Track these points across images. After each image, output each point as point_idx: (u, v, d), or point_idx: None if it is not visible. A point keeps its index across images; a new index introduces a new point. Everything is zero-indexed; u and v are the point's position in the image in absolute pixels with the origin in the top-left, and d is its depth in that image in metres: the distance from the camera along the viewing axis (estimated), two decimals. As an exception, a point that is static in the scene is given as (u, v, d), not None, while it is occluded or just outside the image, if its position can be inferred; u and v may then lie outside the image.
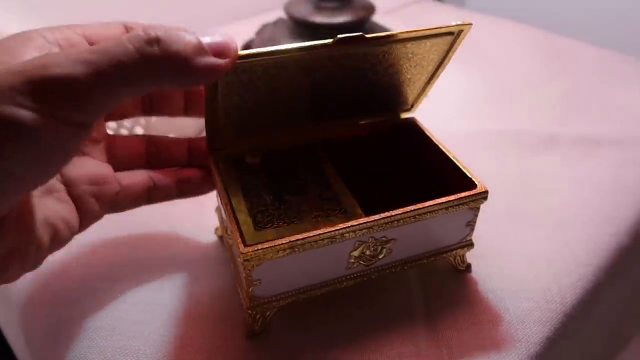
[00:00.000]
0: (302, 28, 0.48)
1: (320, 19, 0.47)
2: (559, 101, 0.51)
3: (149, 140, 0.30)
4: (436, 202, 0.27)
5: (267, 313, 0.27)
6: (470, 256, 0.32)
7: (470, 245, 0.31)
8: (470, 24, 0.27)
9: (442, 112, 0.48)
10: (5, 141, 0.17)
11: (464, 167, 0.29)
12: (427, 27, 0.26)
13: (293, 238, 0.24)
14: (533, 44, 0.63)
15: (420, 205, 0.26)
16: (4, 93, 0.17)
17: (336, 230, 0.25)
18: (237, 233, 0.24)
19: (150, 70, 0.19)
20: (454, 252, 0.30)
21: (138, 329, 0.28)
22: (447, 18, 0.63)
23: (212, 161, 0.29)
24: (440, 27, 0.26)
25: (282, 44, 0.28)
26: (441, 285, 0.31)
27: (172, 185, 0.29)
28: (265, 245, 0.24)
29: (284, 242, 0.24)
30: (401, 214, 0.26)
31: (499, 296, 0.30)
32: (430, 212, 0.27)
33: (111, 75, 0.19)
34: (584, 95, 0.51)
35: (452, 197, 0.27)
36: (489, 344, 0.28)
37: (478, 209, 0.29)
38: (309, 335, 0.28)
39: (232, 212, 0.26)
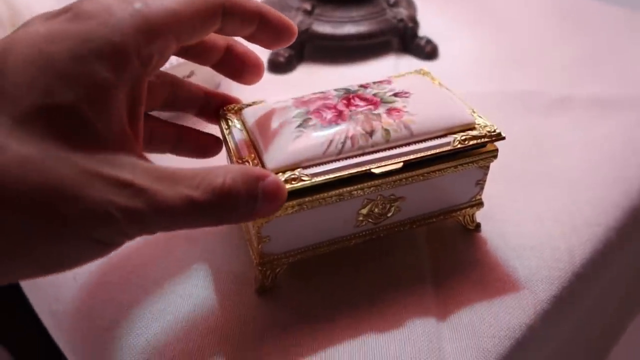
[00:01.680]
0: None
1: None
2: (572, 62, 0.49)
3: (171, 82, 0.29)
4: (446, 151, 0.26)
5: (277, 269, 0.27)
6: (480, 216, 0.32)
7: (480, 204, 0.31)
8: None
9: (454, 73, 0.48)
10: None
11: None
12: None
13: (300, 185, 0.24)
14: (547, 2, 0.61)
15: (430, 153, 0.26)
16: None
17: (345, 188, 0.25)
18: None
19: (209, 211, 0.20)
20: (464, 211, 0.30)
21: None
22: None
23: (222, 118, 0.29)
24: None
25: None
26: (450, 244, 0.31)
27: (192, 146, 0.30)
28: None
29: (292, 187, 0.24)
30: (410, 172, 0.26)
31: (507, 255, 0.31)
32: (439, 170, 0.27)
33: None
34: (599, 56, 0.50)
35: (462, 147, 0.26)
36: (496, 302, 0.28)
37: (488, 167, 0.29)
38: (318, 293, 0.28)
39: None
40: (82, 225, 0.18)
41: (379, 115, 0.26)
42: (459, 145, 0.26)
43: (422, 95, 0.28)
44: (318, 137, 0.25)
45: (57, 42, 0.17)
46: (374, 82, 0.30)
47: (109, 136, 0.19)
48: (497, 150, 0.28)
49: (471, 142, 0.26)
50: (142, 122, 0.21)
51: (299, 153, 0.25)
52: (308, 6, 0.48)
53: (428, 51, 0.49)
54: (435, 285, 0.29)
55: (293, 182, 0.24)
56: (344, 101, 0.27)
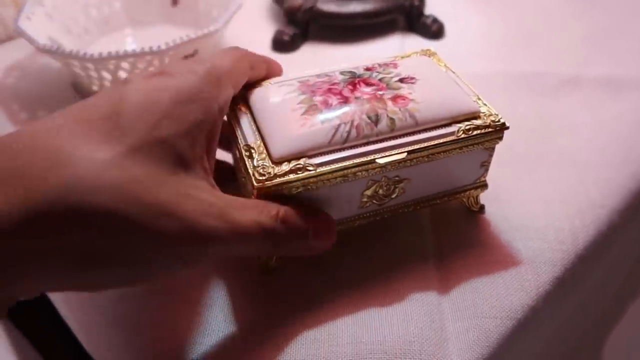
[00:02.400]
0: None
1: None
2: (581, 41, 0.49)
3: None
4: (450, 141, 0.26)
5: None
6: (484, 197, 0.32)
7: (484, 186, 0.30)
8: None
9: (461, 52, 0.47)
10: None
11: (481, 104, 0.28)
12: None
13: (305, 175, 0.24)
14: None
15: (434, 143, 0.26)
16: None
17: (349, 168, 0.25)
18: (251, 169, 0.25)
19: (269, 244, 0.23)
20: (468, 193, 0.30)
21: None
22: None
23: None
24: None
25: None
26: (453, 226, 0.31)
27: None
28: (277, 181, 0.24)
29: (297, 177, 0.24)
30: (414, 155, 0.26)
31: (511, 237, 0.31)
32: (444, 151, 0.27)
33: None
34: (609, 35, 0.49)
35: (466, 136, 0.27)
36: (499, 283, 0.28)
37: (493, 149, 0.28)
38: (321, 273, 0.29)
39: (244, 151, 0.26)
40: (176, 242, 0.20)
41: (384, 101, 0.26)
42: (462, 135, 0.26)
43: (428, 80, 0.28)
44: (324, 125, 0.25)
45: (161, 91, 0.21)
46: (380, 65, 0.29)
47: (195, 165, 0.22)
48: (502, 132, 0.27)
49: (475, 132, 0.27)
50: (214, 158, 0.24)
51: (305, 142, 0.25)
52: (313, -17, 0.47)
53: (434, 30, 0.48)
54: (439, 266, 0.29)
55: (298, 172, 0.24)
56: (350, 86, 0.27)
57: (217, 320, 0.27)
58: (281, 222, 0.23)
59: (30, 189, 0.18)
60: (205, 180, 0.22)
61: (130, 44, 0.48)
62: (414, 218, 0.32)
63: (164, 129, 0.21)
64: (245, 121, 0.27)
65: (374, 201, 0.28)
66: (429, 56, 0.31)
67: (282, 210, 0.23)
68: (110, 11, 0.48)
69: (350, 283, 0.28)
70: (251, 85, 0.29)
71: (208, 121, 0.23)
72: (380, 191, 0.27)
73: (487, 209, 0.32)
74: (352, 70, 0.29)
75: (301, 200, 0.25)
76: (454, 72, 0.30)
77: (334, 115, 0.26)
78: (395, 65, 0.29)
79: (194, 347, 0.26)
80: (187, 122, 0.22)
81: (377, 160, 0.25)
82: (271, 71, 0.29)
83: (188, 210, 0.20)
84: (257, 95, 0.28)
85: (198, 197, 0.21)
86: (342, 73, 0.29)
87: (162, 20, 0.49)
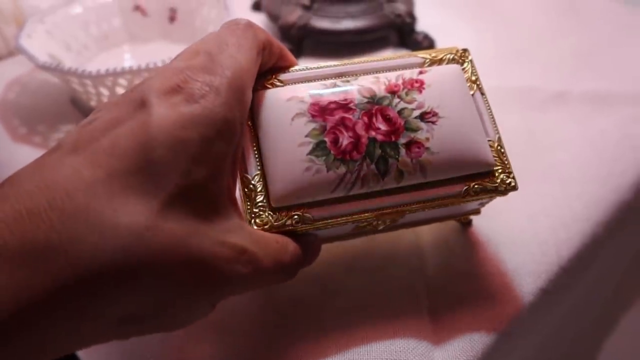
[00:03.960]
0: None
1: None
2: (571, 57, 0.50)
3: None
4: (456, 199, 0.26)
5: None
6: (470, 211, 0.32)
7: (477, 212, 0.31)
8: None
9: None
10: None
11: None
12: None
13: (302, 227, 0.25)
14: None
15: (438, 202, 0.26)
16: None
17: (339, 220, 0.25)
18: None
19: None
20: (461, 217, 0.31)
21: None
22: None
23: None
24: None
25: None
26: (441, 238, 0.32)
27: None
28: (274, 230, 0.24)
29: (294, 227, 0.24)
30: (410, 205, 0.26)
31: (496, 249, 0.31)
32: (447, 204, 0.26)
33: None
34: (597, 51, 0.50)
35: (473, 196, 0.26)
36: (484, 294, 0.29)
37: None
38: (312, 282, 0.29)
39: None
40: (213, 291, 0.21)
41: (398, 149, 0.25)
42: (469, 196, 0.26)
43: (450, 119, 0.26)
44: (329, 174, 0.25)
45: (189, 128, 0.20)
46: (405, 82, 0.27)
47: (223, 203, 0.21)
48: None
49: (483, 196, 0.26)
50: (236, 175, 0.24)
51: (307, 192, 0.24)
52: (307, 1, 0.49)
53: (425, 46, 0.49)
54: (425, 278, 0.30)
55: (296, 225, 0.24)
56: (365, 118, 0.25)
57: (209, 336, 0.27)
58: (296, 257, 0.24)
59: (78, 265, 0.18)
60: (234, 217, 0.22)
61: (128, 60, 0.49)
62: (401, 230, 0.32)
63: (195, 175, 0.20)
64: (247, 141, 0.26)
65: (368, 228, 0.28)
66: (462, 62, 0.29)
67: (297, 248, 0.24)
68: (110, 28, 0.49)
69: (338, 289, 0.29)
70: (258, 85, 0.26)
71: (233, 148, 0.22)
72: (375, 224, 0.28)
73: (475, 221, 0.33)
74: (373, 88, 0.26)
75: None
76: (482, 92, 0.28)
77: (341, 161, 0.25)
78: (421, 86, 0.27)
79: None
80: (216, 161, 0.21)
81: (376, 218, 0.26)
82: (283, 62, 0.27)
83: (223, 261, 0.20)
84: (264, 109, 0.26)
85: (231, 244, 0.21)
86: (360, 92, 0.26)
87: (160, 37, 0.50)
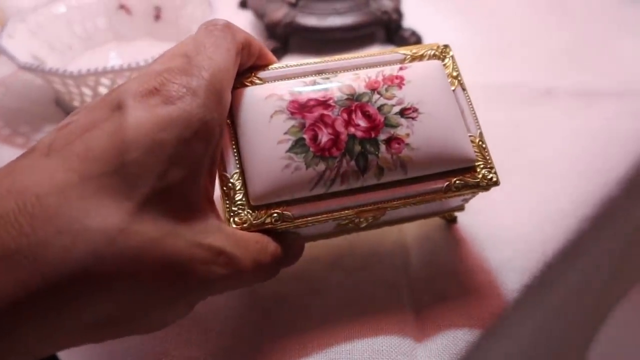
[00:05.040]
0: None
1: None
2: (557, 52, 0.50)
3: None
4: (437, 195, 0.25)
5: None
6: (455, 207, 0.32)
7: (461, 208, 0.31)
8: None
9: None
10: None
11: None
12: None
13: (282, 225, 0.24)
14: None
15: (420, 198, 0.25)
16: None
17: (319, 218, 0.25)
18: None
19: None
20: (445, 214, 0.31)
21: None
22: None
23: None
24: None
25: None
26: (424, 235, 0.32)
27: None
28: (253, 228, 0.24)
29: (273, 225, 0.24)
30: (391, 202, 0.25)
31: (481, 245, 0.31)
32: (428, 200, 0.26)
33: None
34: (583, 47, 0.50)
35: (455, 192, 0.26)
36: (468, 291, 0.29)
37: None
38: (296, 279, 0.29)
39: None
40: (190, 293, 0.21)
41: (377, 145, 0.25)
42: (450, 192, 0.26)
43: (431, 116, 0.26)
44: (308, 172, 0.24)
45: (165, 130, 0.20)
46: (384, 78, 0.26)
47: (200, 204, 0.21)
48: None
49: (464, 191, 0.26)
50: (215, 176, 0.24)
51: (286, 189, 0.24)
52: (293, -2, 0.48)
53: (412, 43, 0.49)
54: (409, 276, 0.30)
55: (275, 223, 0.24)
56: (345, 115, 0.25)
57: (196, 333, 0.27)
58: (277, 258, 0.24)
59: (48, 270, 0.17)
60: (212, 218, 0.22)
61: (113, 59, 0.48)
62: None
63: (171, 176, 0.20)
64: (226, 140, 0.25)
65: (350, 225, 0.28)
66: (443, 58, 0.28)
67: (278, 248, 0.24)
68: (94, 27, 0.49)
69: (319, 290, 0.29)
70: (237, 83, 0.26)
71: (212, 149, 0.22)
72: (357, 221, 0.28)
73: (459, 218, 0.33)
74: (352, 85, 0.26)
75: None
76: (463, 88, 0.28)
77: (320, 158, 0.24)
78: (401, 82, 0.26)
79: None
80: (193, 162, 0.20)
81: (357, 215, 0.25)
82: (262, 61, 0.27)
83: (200, 262, 0.20)
84: (243, 107, 0.25)
85: (208, 245, 0.21)
86: (340, 89, 0.26)
87: (145, 36, 0.50)
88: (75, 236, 0.18)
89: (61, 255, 0.17)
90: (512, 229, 0.32)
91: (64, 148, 0.19)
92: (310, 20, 0.48)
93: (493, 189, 0.35)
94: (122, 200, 0.19)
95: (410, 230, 0.32)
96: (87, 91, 0.39)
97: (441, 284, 0.29)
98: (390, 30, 0.50)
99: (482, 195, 0.34)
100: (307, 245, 0.27)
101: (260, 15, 0.50)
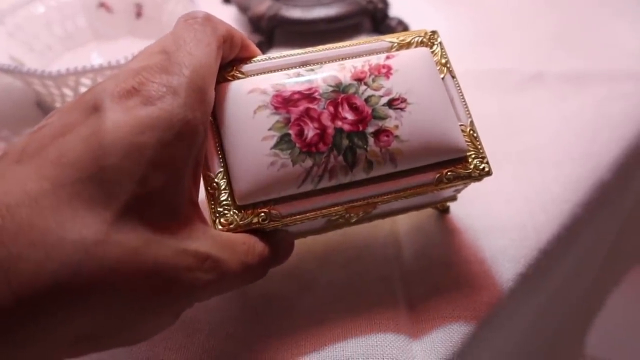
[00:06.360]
0: None
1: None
2: (547, 38, 0.49)
3: None
4: (428, 187, 0.25)
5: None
6: (447, 197, 0.32)
7: (453, 198, 0.30)
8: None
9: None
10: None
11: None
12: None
13: (270, 224, 0.24)
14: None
15: (410, 191, 0.25)
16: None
17: (308, 216, 0.24)
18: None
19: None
20: (438, 204, 0.30)
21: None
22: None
23: None
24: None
25: None
26: (417, 225, 0.31)
27: None
28: (240, 229, 0.23)
29: (261, 225, 0.23)
30: (381, 196, 0.25)
31: (474, 235, 0.31)
32: (419, 193, 0.25)
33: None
34: (571, 32, 0.50)
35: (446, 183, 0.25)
36: (462, 282, 0.28)
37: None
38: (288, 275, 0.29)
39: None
40: (175, 302, 0.20)
41: (366, 138, 0.24)
42: (442, 184, 0.25)
43: (420, 105, 0.25)
44: (295, 168, 0.23)
45: (145, 132, 0.19)
46: (371, 68, 0.25)
47: (183, 208, 0.20)
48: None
49: (456, 183, 0.25)
50: (199, 177, 0.23)
51: (272, 187, 0.23)
52: (276, -9, 0.48)
53: (399, 32, 0.48)
54: (402, 268, 0.29)
55: (263, 222, 0.23)
56: (331, 107, 0.24)
57: (182, 333, 0.27)
58: (265, 259, 0.23)
59: (19, 285, 0.16)
60: (196, 221, 0.21)
61: (95, 59, 0.47)
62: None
63: (152, 181, 0.19)
64: (210, 138, 0.24)
65: (340, 220, 0.27)
66: (431, 45, 0.28)
67: (266, 249, 0.23)
68: (74, 27, 0.47)
69: (311, 284, 0.28)
70: (219, 77, 0.25)
71: (195, 150, 0.21)
72: (347, 216, 0.27)
73: (452, 208, 0.32)
74: (338, 76, 0.25)
75: None
76: (452, 75, 0.27)
77: (307, 154, 0.24)
78: (388, 72, 0.25)
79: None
80: (175, 165, 0.20)
81: (347, 211, 0.25)
82: (245, 53, 0.26)
83: (184, 270, 0.19)
84: (226, 103, 0.25)
85: (192, 251, 0.20)
86: (325, 81, 0.25)
87: (127, 34, 0.49)
88: (49, 249, 0.17)
89: (34, 270, 0.16)
90: (505, 217, 0.32)
91: (37, 154, 0.18)
92: (294, 13, 0.47)
93: (486, 178, 0.34)
94: (99, 209, 0.18)
95: (403, 222, 0.32)
96: (68, 92, 0.38)
97: (435, 276, 0.29)
98: (376, 19, 0.49)
99: (474, 185, 0.34)
100: (297, 241, 0.27)
101: (243, 9, 0.49)
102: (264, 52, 0.47)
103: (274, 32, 0.48)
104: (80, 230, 0.17)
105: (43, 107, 0.42)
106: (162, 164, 0.19)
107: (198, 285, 0.20)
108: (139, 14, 0.48)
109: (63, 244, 0.17)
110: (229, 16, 0.53)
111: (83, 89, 0.38)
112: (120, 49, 0.47)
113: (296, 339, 0.26)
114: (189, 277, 0.19)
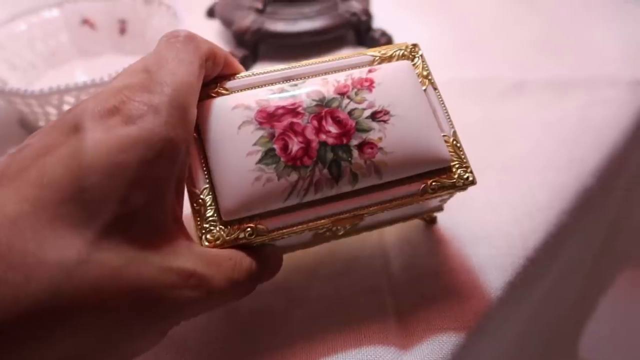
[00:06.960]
0: None
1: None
2: (529, 45, 0.50)
3: None
4: (413, 198, 0.25)
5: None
6: (433, 208, 0.32)
7: (440, 209, 0.31)
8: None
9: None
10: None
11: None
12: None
13: (257, 239, 0.24)
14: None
15: (396, 202, 0.25)
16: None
17: (295, 229, 0.24)
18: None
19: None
20: (424, 215, 0.31)
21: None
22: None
23: None
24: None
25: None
26: (404, 236, 0.31)
27: None
28: (227, 245, 0.23)
29: (247, 240, 0.23)
30: (367, 208, 0.25)
31: (461, 244, 0.31)
32: (404, 204, 0.25)
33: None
34: (553, 39, 0.51)
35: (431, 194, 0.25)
36: (451, 292, 0.28)
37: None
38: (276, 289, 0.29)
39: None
40: (161, 320, 0.20)
41: (350, 151, 0.24)
42: (427, 194, 0.25)
43: (403, 118, 0.25)
44: (280, 183, 0.23)
45: (126, 151, 0.19)
46: (354, 81, 0.26)
47: (167, 226, 0.20)
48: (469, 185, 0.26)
49: (441, 193, 0.25)
50: (183, 193, 0.23)
51: (258, 202, 0.23)
52: (260, 4, 0.48)
53: (383, 43, 0.49)
54: (390, 279, 0.29)
55: (249, 237, 0.23)
56: (315, 121, 0.24)
57: (170, 350, 0.26)
58: (254, 274, 0.23)
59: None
60: (180, 238, 0.21)
61: (79, 76, 0.47)
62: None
63: (134, 200, 0.19)
64: (194, 154, 0.24)
65: (328, 234, 0.27)
66: (412, 58, 0.28)
67: (253, 264, 0.23)
68: (57, 44, 0.47)
69: (302, 296, 0.28)
70: (203, 94, 0.25)
71: (178, 168, 0.21)
72: (334, 229, 0.27)
73: (439, 218, 0.32)
74: (321, 91, 0.25)
75: None
76: (434, 87, 0.27)
77: (292, 168, 0.24)
78: (371, 85, 0.26)
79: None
80: (157, 184, 0.19)
81: (333, 224, 0.25)
82: (229, 70, 0.26)
83: (168, 288, 0.19)
84: (210, 120, 0.25)
85: (177, 268, 0.20)
86: (308, 95, 0.25)
87: (111, 50, 0.49)
88: (28, 271, 0.16)
89: (13, 293, 0.16)
90: (492, 226, 0.32)
91: (17, 175, 0.18)
92: (278, 26, 0.47)
93: (471, 188, 0.35)
94: (80, 229, 0.18)
95: (390, 234, 0.32)
96: (51, 110, 0.38)
97: (423, 287, 0.29)
98: (360, 32, 0.50)
99: (460, 194, 0.34)
100: (285, 256, 0.27)
101: (228, 23, 0.49)
102: (248, 66, 0.47)
103: (259, 45, 0.48)
104: (61, 251, 0.17)
105: (26, 126, 0.42)
106: (144, 183, 0.19)
107: (183, 303, 0.20)
108: (122, 30, 0.48)
109: (43, 265, 0.17)
110: (213, 30, 0.53)
111: (67, 107, 0.38)
112: (105, 65, 0.47)
113: (286, 355, 0.26)
114: (174, 295, 0.19)
